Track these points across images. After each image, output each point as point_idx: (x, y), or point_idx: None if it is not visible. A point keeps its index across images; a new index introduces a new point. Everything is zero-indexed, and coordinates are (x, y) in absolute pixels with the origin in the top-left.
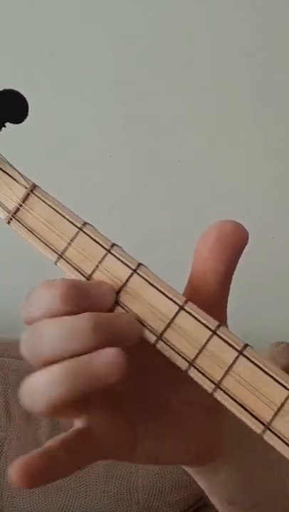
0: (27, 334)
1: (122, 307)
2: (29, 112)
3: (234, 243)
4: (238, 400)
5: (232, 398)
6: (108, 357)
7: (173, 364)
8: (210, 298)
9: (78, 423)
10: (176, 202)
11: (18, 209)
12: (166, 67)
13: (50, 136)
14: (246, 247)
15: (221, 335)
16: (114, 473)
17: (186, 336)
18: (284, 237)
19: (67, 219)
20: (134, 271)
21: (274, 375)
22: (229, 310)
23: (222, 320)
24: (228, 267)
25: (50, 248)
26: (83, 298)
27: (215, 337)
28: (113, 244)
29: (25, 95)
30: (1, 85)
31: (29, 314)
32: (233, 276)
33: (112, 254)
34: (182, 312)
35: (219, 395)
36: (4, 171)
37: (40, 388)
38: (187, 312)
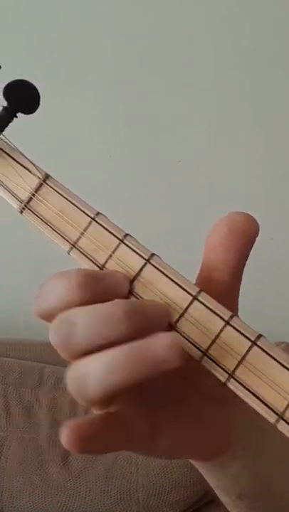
0: (57, 325)
1: (136, 297)
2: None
3: (245, 234)
4: (251, 390)
5: (245, 388)
6: (169, 340)
7: (187, 357)
8: (221, 289)
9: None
10: (176, 202)
11: (30, 199)
12: (166, 67)
13: (50, 136)
14: None
15: (235, 325)
16: (114, 473)
17: (200, 326)
18: (284, 237)
19: (80, 209)
20: (148, 261)
21: (287, 366)
22: None
23: (234, 311)
24: (239, 258)
25: (64, 238)
26: (98, 286)
27: (228, 327)
28: (126, 234)
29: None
30: (1, 85)
31: (42, 307)
32: None
33: (125, 244)
34: (195, 302)
35: (232, 385)
36: (16, 161)
37: (95, 374)
38: (200, 302)
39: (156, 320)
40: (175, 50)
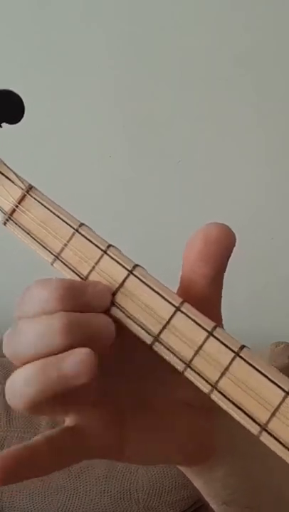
0: (8, 333)
1: (118, 308)
2: (25, 113)
3: (221, 246)
4: (234, 401)
5: (228, 399)
6: (78, 357)
7: (167, 364)
8: (201, 301)
9: (67, 421)
10: (175, 202)
11: (14, 210)
12: (167, 67)
13: (50, 136)
14: (246, 247)
15: (218, 336)
16: (114, 473)
17: (183, 337)
18: (284, 237)
19: (64, 220)
20: (131, 272)
21: (270, 377)
22: (229, 310)
23: (217, 321)
24: (216, 270)
25: (47, 249)
26: (78, 298)
27: (211, 338)
28: (109, 245)
29: (24, 95)
30: (1, 86)
31: (23, 313)
32: (234, 277)
33: (108, 255)
34: (178, 313)
35: (216, 396)
36: (0, 172)
37: (16, 386)
38: (183, 313)
39: (99, 334)
40: (175, 50)
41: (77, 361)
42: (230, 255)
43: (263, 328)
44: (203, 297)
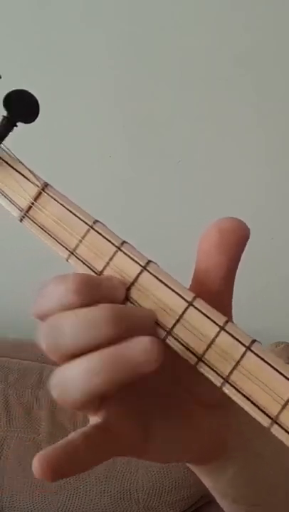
0: (45, 329)
1: (132, 303)
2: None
3: (236, 238)
4: (245, 394)
5: (240, 392)
6: (145, 344)
7: (182, 362)
8: (215, 293)
9: (93, 419)
10: (175, 202)
11: (30, 207)
12: (167, 67)
13: (50, 136)
14: (246, 247)
15: (229, 330)
16: (114, 473)
17: (195, 331)
18: (284, 237)
19: (78, 217)
20: (144, 268)
21: (281, 370)
22: None
23: (227, 314)
24: (231, 262)
25: (62, 245)
26: (95, 291)
27: (223, 332)
28: (123, 242)
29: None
30: (1, 85)
31: (41, 309)
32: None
33: (122, 251)
34: (191, 308)
35: (227, 389)
36: (16, 170)
37: (75, 379)
38: (196, 308)
39: (142, 325)
40: (175, 50)
41: (146, 348)
42: (244, 246)
43: (263, 328)
44: (217, 288)
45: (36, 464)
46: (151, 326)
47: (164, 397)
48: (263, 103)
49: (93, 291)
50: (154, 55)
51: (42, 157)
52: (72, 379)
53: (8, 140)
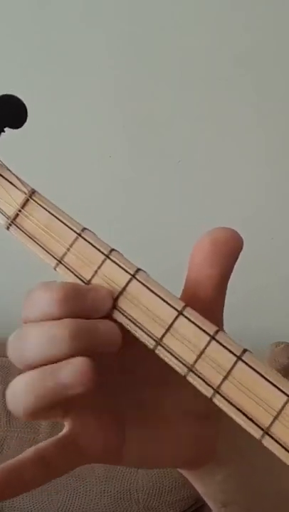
0: (13, 337)
1: (121, 312)
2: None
3: (228, 249)
4: (236, 405)
5: (231, 403)
6: (75, 366)
7: (168, 370)
8: (206, 303)
9: (66, 424)
10: (175, 202)
11: (17, 215)
12: (167, 67)
13: (50, 136)
14: (246, 247)
15: (220, 340)
16: (114, 473)
17: (185, 341)
18: (284, 237)
19: (66, 224)
20: (133, 276)
21: (272, 381)
22: (229, 310)
23: (219, 325)
24: (223, 273)
25: (49, 254)
26: (80, 302)
27: (213, 342)
28: (112, 250)
29: (24, 95)
30: (1, 86)
31: (28, 316)
32: (234, 277)
33: (111, 259)
34: (181, 317)
35: (218, 400)
36: (3, 177)
37: (16, 392)
38: (186, 317)
39: (103, 342)
40: (175, 50)
41: (74, 370)
42: (237, 258)
43: (263, 328)
44: (208, 298)
45: None
46: (115, 342)
47: (141, 404)
48: (263, 103)
49: (78, 301)
50: (154, 55)
51: (42, 157)
52: (15, 392)
53: (4, 144)
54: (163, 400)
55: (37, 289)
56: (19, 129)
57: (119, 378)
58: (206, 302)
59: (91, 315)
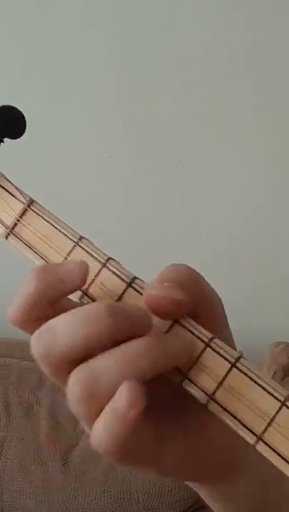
0: (38, 332)
1: None
2: (25, 113)
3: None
4: (231, 412)
5: (225, 410)
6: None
7: None
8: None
9: None
10: (175, 202)
11: (15, 224)
12: (166, 67)
13: (50, 136)
14: (246, 247)
15: (214, 347)
16: (114, 473)
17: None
18: (284, 237)
19: (64, 233)
20: (129, 284)
21: (266, 387)
22: (229, 310)
23: (215, 331)
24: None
25: (47, 263)
26: (51, 276)
27: (208, 349)
28: (109, 258)
29: (24, 95)
30: (1, 86)
31: (13, 313)
32: (234, 277)
33: (108, 267)
34: (176, 325)
35: (212, 407)
36: (2, 187)
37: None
38: (181, 325)
39: (138, 320)
40: (175, 50)
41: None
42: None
43: (263, 328)
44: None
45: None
46: (147, 323)
47: (176, 409)
48: (263, 103)
49: (49, 276)
50: (154, 55)
51: (42, 157)
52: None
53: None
54: (193, 409)
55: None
56: None
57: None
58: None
59: (63, 288)
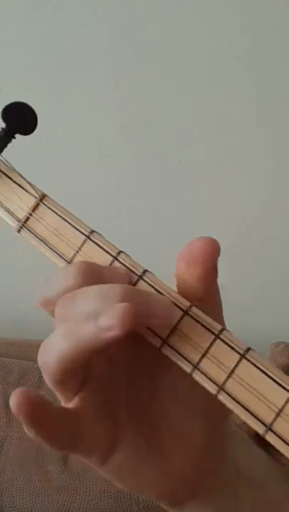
0: (62, 299)
1: None
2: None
3: (206, 250)
4: (240, 402)
5: (235, 400)
6: (117, 308)
7: (171, 377)
8: (201, 304)
9: (74, 402)
10: (175, 202)
11: (28, 218)
12: (166, 67)
13: (50, 136)
14: (246, 247)
15: (224, 339)
16: None
17: (190, 340)
18: (284, 237)
19: (75, 227)
20: (140, 277)
21: (275, 378)
22: (229, 310)
23: (219, 322)
24: (206, 271)
25: (59, 256)
26: (99, 277)
27: (218, 341)
28: (120, 252)
29: (24, 95)
30: (1, 85)
31: (46, 294)
32: (234, 277)
33: (119, 261)
34: (186, 317)
35: (222, 397)
36: (14, 181)
37: (52, 341)
38: (191, 317)
39: (158, 303)
40: (175, 50)
41: (117, 311)
42: (215, 258)
43: (263, 328)
44: (199, 300)
45: (17, 395)
46: (167, 304)
47: (137, 407)
48: (263, 103)
49: (96, 276)
50: (154, 55)
51: (42, 157)
52: (52, 340)
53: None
54: (161, 415)
55: (54, 274)
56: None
57: (122, 374)
58: (200, 301)
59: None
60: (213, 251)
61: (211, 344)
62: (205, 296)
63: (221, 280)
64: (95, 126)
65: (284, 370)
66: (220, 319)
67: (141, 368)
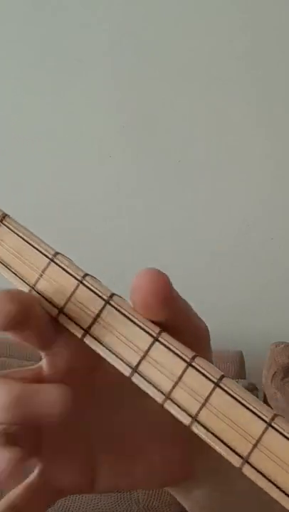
0: None
1: (96, 339)
2: (25, 112)
3: (152, 289)
4: (215, 433)
5: (209, 431)
6: (52, 394)
7: (141, 396)
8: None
9: (36, 467)
10: (175, 202)
11: None
12: (166, 68)
13: (50, 136)
14: (246, 247)
15: (197, 366)
16: None
17: (162, 368)
18: (284, 237)
19: (38, 249)
20: (107, 302)
21: (251, 407)
22: (229, 310)
23: (200, 349)
24: (162, 306)
25: (22, 280)
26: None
27: (190, 368)
28: (85, 275)
29: (24, 95)
30: (1, 85)
31: None
32: (234, 277)
33: (84, 284)
34: (156, 343)
35: (196, 428)
36: None
37: None
38: (162, 343)
39: (49, 408)
40: (175, 50)
41: (51, 397)
42: (167, 288)
43: (263, 328)
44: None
45: None
46: (54, 414)
47: (111, 431)
48: (263, 103)
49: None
50: (154, 55)
51: (42, 157)
52: None
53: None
54: (134, 429)
55: None
56: (19, 129)
57: (90, 409)
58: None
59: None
60: (159, 286)
61: (183, 372)
62: (171, 323)
63: (221, 280)
64: (95, 126)
65: (284, 370)
66: (195, 345)
67: (105, 401)
